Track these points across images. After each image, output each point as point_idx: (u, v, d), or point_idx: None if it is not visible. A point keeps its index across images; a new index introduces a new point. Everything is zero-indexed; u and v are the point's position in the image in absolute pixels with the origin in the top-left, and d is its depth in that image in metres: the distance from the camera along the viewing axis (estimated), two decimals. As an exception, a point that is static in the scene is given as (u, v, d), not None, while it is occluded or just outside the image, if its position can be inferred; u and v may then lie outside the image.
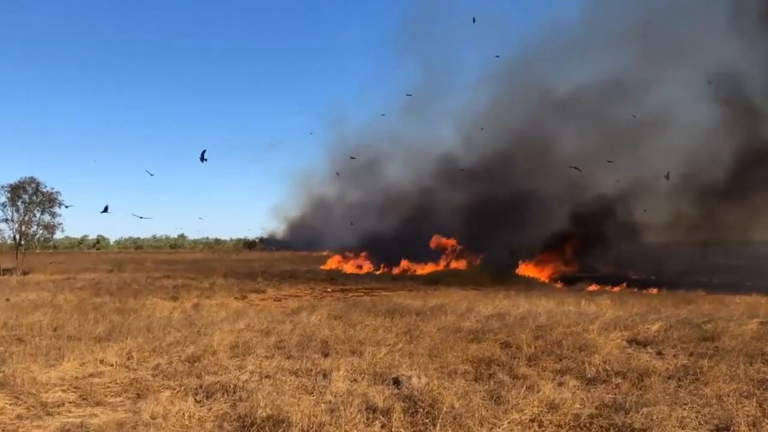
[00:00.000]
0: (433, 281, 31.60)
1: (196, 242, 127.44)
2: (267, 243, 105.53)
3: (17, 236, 37.57)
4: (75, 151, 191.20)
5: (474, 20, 40.86)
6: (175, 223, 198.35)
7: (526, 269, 36.40)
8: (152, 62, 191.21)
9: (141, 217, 79.49)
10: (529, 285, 30.59)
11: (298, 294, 25.41)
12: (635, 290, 27.69)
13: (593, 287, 29.00)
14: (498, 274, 32.53)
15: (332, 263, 49.40)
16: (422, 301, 19.67)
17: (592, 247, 36.75)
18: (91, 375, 8.64)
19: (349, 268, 46.07)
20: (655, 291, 26.92)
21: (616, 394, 7.45)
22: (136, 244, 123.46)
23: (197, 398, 7.42)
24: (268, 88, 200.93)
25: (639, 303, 18.90)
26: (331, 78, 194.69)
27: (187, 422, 6.56)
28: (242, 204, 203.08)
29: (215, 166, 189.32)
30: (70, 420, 6.85)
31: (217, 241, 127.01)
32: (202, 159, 28.98)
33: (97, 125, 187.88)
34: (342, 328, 12.27)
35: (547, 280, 34.19)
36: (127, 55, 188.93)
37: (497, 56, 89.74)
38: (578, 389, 7.62)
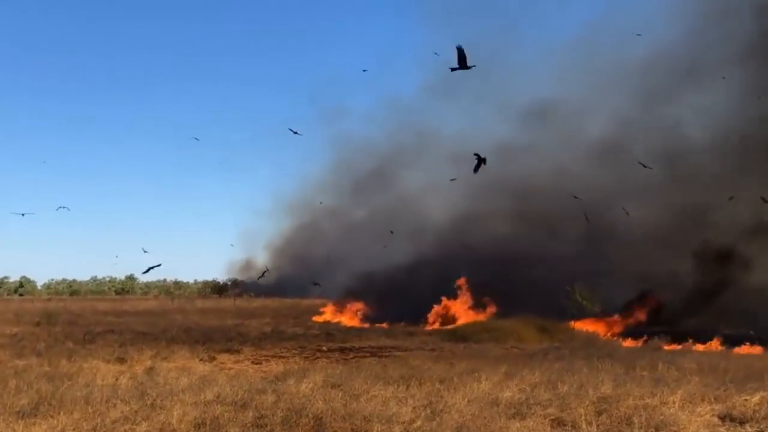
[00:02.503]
0: (461, 337, 31.44)
1: (149, 286, 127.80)
2: (243, 287, 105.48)
3: None
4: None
5: None
6: (115, 258, 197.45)
7: (584, 322, 36.23)
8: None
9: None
10: (589, 342, 30.39)
11: (284, 354, 25.24)
12: (729, 349, 27.39)
13: (673, 345, 28.72)
14: (546, 328, 32.41)
15: (328, 313, 49.25)
16: (447, 363, 19.58)
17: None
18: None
19: (350, 319, 45.88)
20: (756, 350, 26.61)
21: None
22: (71, 288, 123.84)
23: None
24: (239, 69, 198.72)
25: (734, 366, 18.76)
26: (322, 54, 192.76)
27: None
28: (210, 235, 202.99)
29: (169, 186, 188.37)
30: None
31: (177, 285, 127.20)
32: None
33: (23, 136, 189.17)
34: (342, 399, 12.25)
35: (611, 336, 33.92)
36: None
37: None
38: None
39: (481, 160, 27.18)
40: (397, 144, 75.20)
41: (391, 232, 48.17)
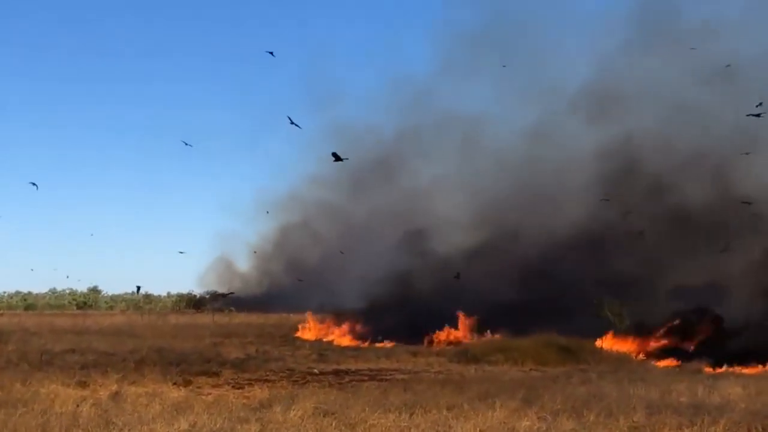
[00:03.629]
0: (472, 358, 31.37)
1: (115, 299, 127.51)
2: (223, 300, 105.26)
3: None
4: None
5: None
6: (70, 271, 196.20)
7: (612, 341, 36.12)
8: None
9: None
10: (618, 363, 30.32)
11: (270, 377, 25.21)
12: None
13: (715, 368, 28.60)
14: (570, 348, 32.35)
15: (319, 331, 49.10)
16: (456, 388, 19.51)
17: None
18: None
19: (345, 338, 45.75)
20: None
21: None
22: (26, 302, 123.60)
23: None
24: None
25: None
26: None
27: None
28: (185, 241, 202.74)
29: (137, 186, 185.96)
30: None
31: (148, 298, 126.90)
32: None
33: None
34: (336, 429, 12.18)
35: (643, 357, 33.81)
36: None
37: None
38: None
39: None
40: (405, 131, 73.47)
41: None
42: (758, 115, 34.90)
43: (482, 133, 63.68)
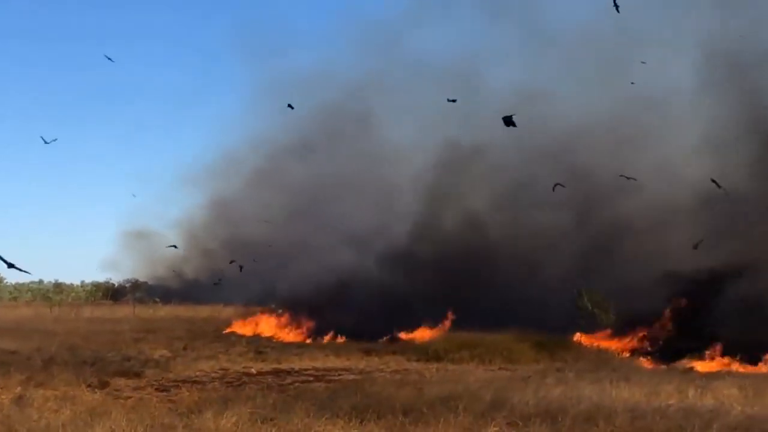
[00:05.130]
0: (433, 356, 31.53)
1: (19, 289, 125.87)
2: (145, 290, 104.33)
3: None
4: None
5: None
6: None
7: (593, 336, 36.47)
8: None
9: None
10: (599, 361, 30.64)
11: (199, 378, 25.21)
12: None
13: (708, 365, 29.08)
14: (544, 344, 32.61)
15: (257, 325, 49.00)
16: (415, 389, 19.62)
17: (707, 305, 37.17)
18: None
19: (288, 333, 45.75)
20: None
21: None
22: None
23: None
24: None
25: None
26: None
27: None
28: (101, 222, 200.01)
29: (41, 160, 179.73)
30: None
31: (59, 288, 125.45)
32: None
33: None
34: (275, 437, 12.23)
35: (628, 354, 34.24)
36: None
37: None
38: None
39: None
40: (369, 82, 71.92)
41: None
42: None
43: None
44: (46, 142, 40.59)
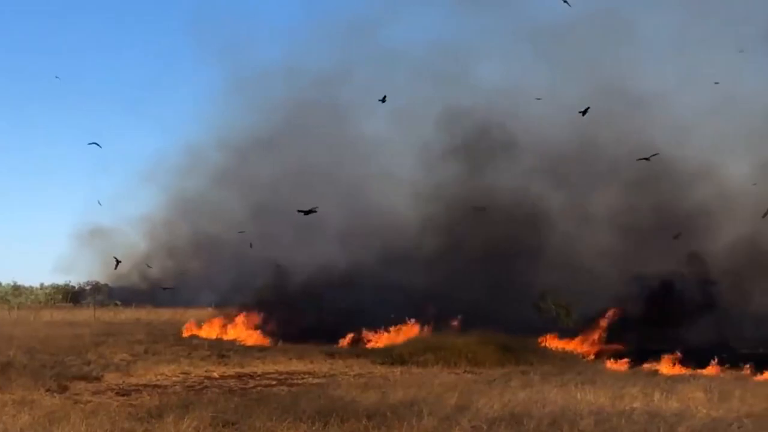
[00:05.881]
0: (397, 359, 31.55)
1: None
2: (105, 293, 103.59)
3: None
4: None
5: None
6: None
7: (560, 340, 36.63)
8: None
9: None
10: (564, 364, 30.77)
11: (161, 381, 25.09)
12: (745, 373, 28.05)
13: (673, 368, 29.27)
14: (510, 347, 32.70)
15: (220, 328, 48.75)
16: (379, 393, 19.64)
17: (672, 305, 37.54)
18: None
19: (251, 335, 45.56)
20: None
21: None
22: None
23: None
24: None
25: (752, 395, 19.21)
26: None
27: None
28: (59, 223, 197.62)
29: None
30: None
31: (17, 290, 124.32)
32: None
33: None
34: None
35: (592, 356, 34.42)
36: None
37: None
38: None
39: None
40: (335, 75, 70.78)
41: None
42: None
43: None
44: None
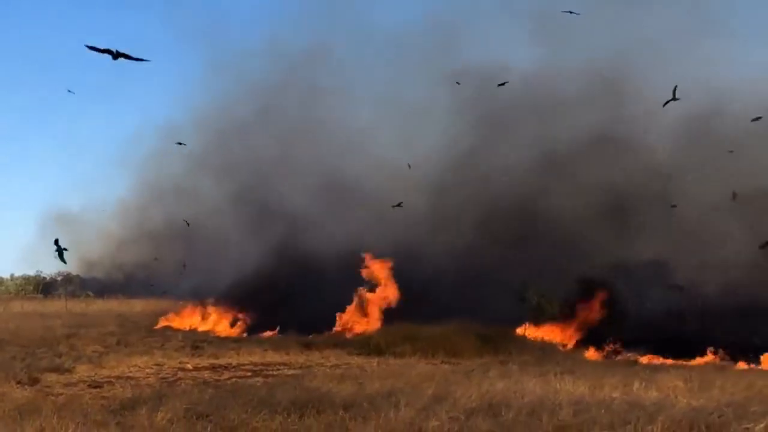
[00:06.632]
0: (374, 349, 31.58)
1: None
2: (77, 284, 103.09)
3: None
4: None
5: None
6: None
7: (537, 328, 36.71)
8: None
9: None
10: (544, 354, 30.90)
11: (133, 373, 25.05)
12: (725, 362, 28.22)
13: (653, 358, 29.41)
14: (489, 337, 32.75)
15: (193, 318, 48.68)
16: (356, 383, 19.65)
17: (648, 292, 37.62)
18: None
19: (224, 327, 45.50)
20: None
21: None
22: None
23: None
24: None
25: (732, 384, 19.30)
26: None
27: None
28: (29, 209, 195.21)
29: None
30: None
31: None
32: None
33: None
34: (211, 435, 12.09)
35: (571, 346, 34.52)
36: None
37: None
38: None
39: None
40: (315, 56, 70.11)
41: None
42: None
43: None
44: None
